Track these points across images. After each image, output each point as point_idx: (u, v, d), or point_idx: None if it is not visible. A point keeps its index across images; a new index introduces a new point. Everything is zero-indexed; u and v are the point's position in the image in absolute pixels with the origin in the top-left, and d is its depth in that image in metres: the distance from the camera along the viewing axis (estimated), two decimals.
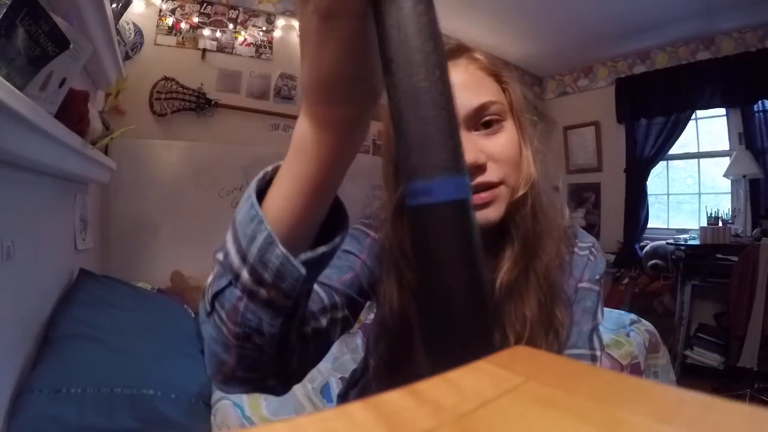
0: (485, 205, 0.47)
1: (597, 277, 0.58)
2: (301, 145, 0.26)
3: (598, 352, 0.56)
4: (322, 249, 0.29)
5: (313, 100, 0.25)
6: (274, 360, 0.34)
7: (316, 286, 0.43)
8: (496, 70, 0.51)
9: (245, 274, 0.28)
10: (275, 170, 0.29)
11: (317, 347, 0.41)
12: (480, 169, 0.46)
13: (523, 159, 0.50)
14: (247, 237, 0.27)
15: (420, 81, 0.20)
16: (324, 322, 0.42)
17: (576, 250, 0.58)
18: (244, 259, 0.28)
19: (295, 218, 0.27)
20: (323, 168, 0.26)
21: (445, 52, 0.22)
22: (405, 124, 0.20)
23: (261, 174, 0.29)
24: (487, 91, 0.49)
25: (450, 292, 0.19)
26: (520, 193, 0.48)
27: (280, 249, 0.26)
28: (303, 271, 0.27)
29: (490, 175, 0.47)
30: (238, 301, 0.29)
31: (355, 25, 0.22)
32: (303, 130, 0.26)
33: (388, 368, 0.54)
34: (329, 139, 0.26)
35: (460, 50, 0.51)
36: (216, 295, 0.31)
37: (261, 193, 0.28)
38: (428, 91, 0.20)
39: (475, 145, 0.46)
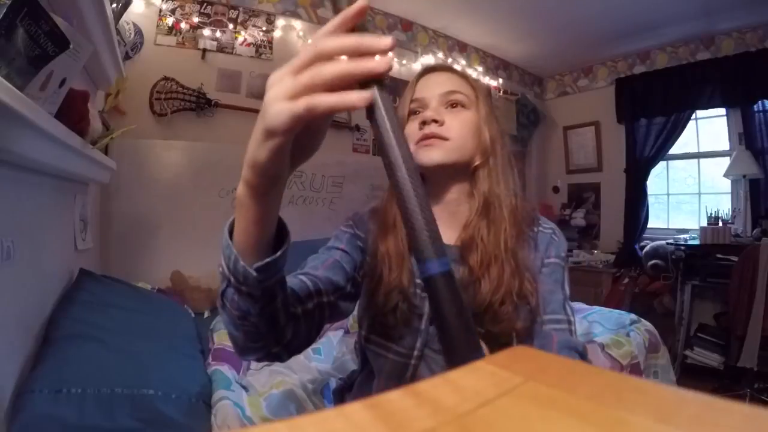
0: (430, 146, 0.65)
1: (562, 254, 0.71)
2: (240, 200, 0.39)
3: (572, 318, 0.68)
4: (267, 259, 0.41)
5: (247, 173, 0.37)
6: (269, 333, 0.48)
7: (303, 277, 0.58)
8: (472, 81, 0.72)
9: (232, 279, 0.42)
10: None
11: (308, 325, 0.55)
12: (436, 123, 0.65)
13: (482, 138, 0.68)
14: (226, 257, 0.42)
15: (403, 177, 0.35)
16: (310, 305, 0.55)
17: (540, 228, 0.72)
18: (229, 269, 0.42)
19: (249, 242, 0.41)
20: (255, 213, 0.39)
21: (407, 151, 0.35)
22: (403, 215, 0.36)
23: (231, 219, 0.42)
24: (459, 86, 0.69)
25: (447, 319, 0.35)
26: (478, 161, 0.68)
27: (240, 263, 0.41)
28: (255, 274, 0.41)
29: (441, 131, 0.65)
30: (233, 295, 0.44)
31: (283, 141, 0.34)
32: (240, 189, 0.39)
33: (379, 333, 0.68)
34: (256, 197, 0.38)
35: (453, 69, 0.74)
36: (222, 294, 0.45)
37: (232, 228, 0.42)
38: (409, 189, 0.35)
39: (438, 112, 0.67)
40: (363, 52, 0.32)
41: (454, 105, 0.68)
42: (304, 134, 0.37)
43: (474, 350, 0.35)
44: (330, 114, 0.34)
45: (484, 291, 0.62)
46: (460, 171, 0.68)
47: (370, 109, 0.34)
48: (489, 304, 0.61)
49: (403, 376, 0.66)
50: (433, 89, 0.69)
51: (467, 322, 0.35)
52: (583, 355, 0.65)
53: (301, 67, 0.33)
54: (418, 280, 0.65)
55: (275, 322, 0.48)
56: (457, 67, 0.86)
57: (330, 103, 0.32)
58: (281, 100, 0.32)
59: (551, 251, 0.70)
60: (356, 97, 0.32)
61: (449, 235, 0.67)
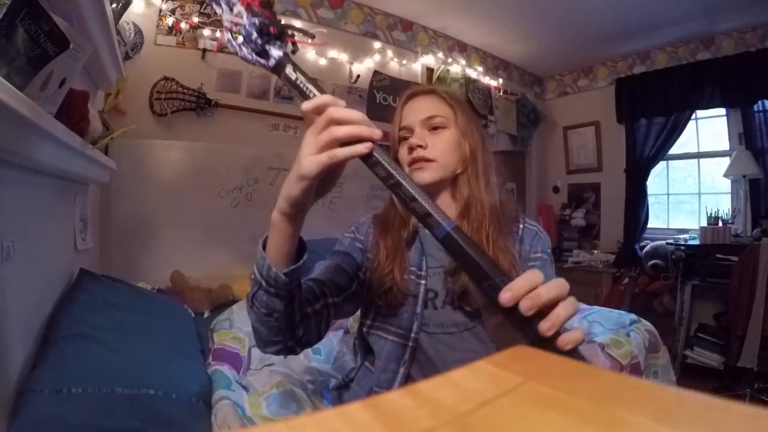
0: (420, 169, 0.76)
1: (548, 250, 0.81)
2: (275, 222, 0.53)
3: None
4: (293, 266, 0.55)
5: (282, 204, 0.51)
6: (287, 329, 0.61)
7: (311, 282, 0.70)
8: (450, 101, 0.81)
9: (263, 283, 0.56)
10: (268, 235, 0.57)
11: (317, 323, 0.67)
12: (421, 147, 0.76)
13: (462, 150, 0.78)
14: (259, 266, 0.56)
15: (405, 186, 0.45)
16: (318, 306, 0.68)
17: (525, 225, 0.81)
18: (261, 275, 0.56)
19: (280, 254, 0.54)
20: (286, 232, 0.53)
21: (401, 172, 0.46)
22: (412, 209, 0.46)
23: (264, 237, 0.56)
24: (437, 110, 0.79)
25: (471, 255, 0.43)
26: (459, 170, 0.79)
27: (273, 269, 0.54)
28: (284, 278, 0.55)
29: (427, 153, 0.76)
30: (263, 296, 0.57)
31: (312, 183, 0.47)
32: (275, 215, 0.52)
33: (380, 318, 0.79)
34: (288, 221, 0.52)
35: (432, 91, 0.83)
36: (253, 296, 0.58)
37: (264, 245, 0.56)
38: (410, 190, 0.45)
39: (422, 137, 0.77)
40: (363, 124, 0.46)
41: (434, 128, 0.79)
42: (326, 175, 0.49)
43: (501, 273, 0.41)
44: (346, 161, 0.46)
45: (465, 276, 0.70)
46: (445, 181, 0.79)
47: (369, 154, 0.46)
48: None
49: (401, 357, 0.75)
50: (415, 116, 0.79)
51: (486, 254, 0.43)
52: None
53: (320, 129, 0.46)
54: (413, 267, 0.77)
55: (293, 319, 0.61)
56: (437, 85, 1.00)
57: (346, 153, 0.45)
58: (310, 154, 0.46)
59: (537, 246, 0.79)
60: (362, 147, 0.45)
61: None
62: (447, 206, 0.79)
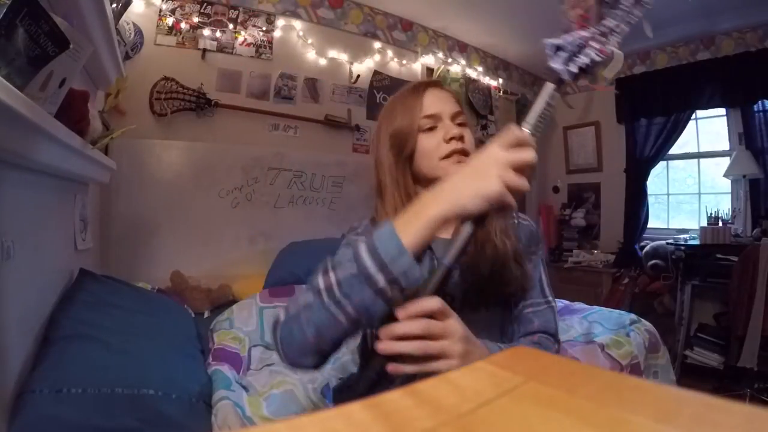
0: (461, 163, 0.71)
1: (542, 247, 0.82)
2: (430, 222, 0.50)
3: (551, 298, 0.79)
4: (425, 270, 0.53)
5: (451, 212, 0.50)
6: (338, 345, 0.55)
7: None
8: (458, 98, 0.81)
9: (381, 280, 0.48)
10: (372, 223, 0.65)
11: None
12: (462, 140, 0.74)
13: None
14: (391, 260, 0.48)
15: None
16: None
17: (520, 221, 0.82)
18: (383, 271, 0.48)
19: (420, 250, 0.51)
20: (430, 237, 0.51)
21: None
22: None
23: (387, 226, 0.51)
24: (458, 106, 0.78)
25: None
26: None
27: (417, 268, 0.49)
28: (418, 274, 0.50)
29: (465, 146, 0.74)
30: (367, 296, 0.49)
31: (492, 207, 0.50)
32: (436, 214, 0.50)
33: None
34: (439, 226, 0.51)
35: (445, 88, 0.81)
36: (345, 296, 0.50)
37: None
38: None
39: (460, 129, 0.75)
40: None
41: (461, 124, 0.76)
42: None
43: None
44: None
45: (483, 267, 0.71)
46: None
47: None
48: (492, 271, 0.71)
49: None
50: (442, 107, 0.75)
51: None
52: (556, 338, 0.77)
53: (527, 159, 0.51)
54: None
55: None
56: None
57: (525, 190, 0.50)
58: (511, 178, 0.49)
59: (532, 245, 0.80)
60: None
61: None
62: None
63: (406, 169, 0.76)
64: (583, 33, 0.50)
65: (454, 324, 0.54)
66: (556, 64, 0.52)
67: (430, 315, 0.52)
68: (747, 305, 2.25)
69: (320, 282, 0.52)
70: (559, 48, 0.52)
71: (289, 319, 0.56)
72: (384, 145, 0.78)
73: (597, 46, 0.50)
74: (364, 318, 0.50)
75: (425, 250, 0.52)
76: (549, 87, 0.53)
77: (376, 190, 0.81)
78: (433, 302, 0.51)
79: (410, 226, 0.50)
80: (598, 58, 0.51)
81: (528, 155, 0.50)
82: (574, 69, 0.51)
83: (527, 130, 0.53)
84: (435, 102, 0.76)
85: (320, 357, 0.56)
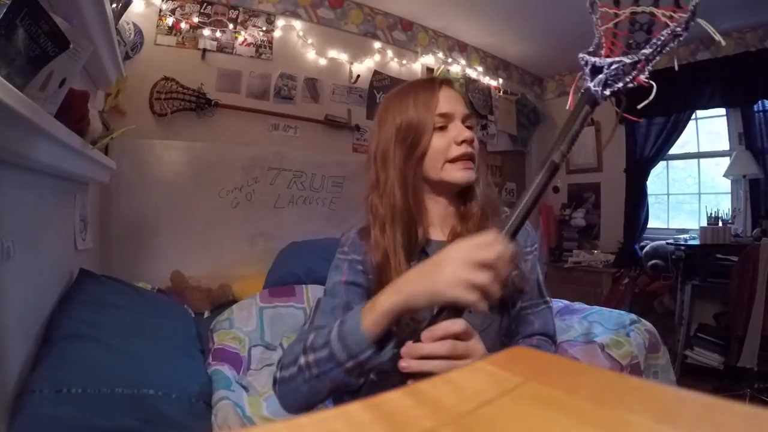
0: (469, 169, 0.72)
1: (535, 244, 0.81)
2: (385, 313, 0.53)
3: (548, 298, 0.81)
4: (386, 355, 0.55)
5: (403, 307, 0.53)
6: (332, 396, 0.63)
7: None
8: (467, 101, 0.83)
9: (350, 364, 0.55)
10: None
11: None
12: (471, 144, 0.72)
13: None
14: (355, 350, 0.54)
15: None
16: None
17: None
18: (352, 358, 0.54)
19: (371, 339, 0.54)
20: (387, 326, 0.54)
21: None
22: None
23: (354, 318, 0.56)
24: (467, 108, 0.77)
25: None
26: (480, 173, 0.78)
27: (377, 358, 0.54)
28: (392, 354, 0.55)
29: (473, 151, 0.72)
30: (338, 375, 0.56)
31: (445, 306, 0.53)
32: (388, 307, 0.53)
33: None
34: (394, 318, 0.54)
35: (451, 83, 0.78)
36: (321, 374, 0.57)
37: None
38: None
39: (471, 132, 0.73)
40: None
41: (470, 127, 0.74)
42: None
43: None
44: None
45: None
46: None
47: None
48: None
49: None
50: (454, 107, 0.72)
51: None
52: (554, 339, 0.79)
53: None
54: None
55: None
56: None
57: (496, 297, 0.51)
58: (477, 286, 0.49)
59: (527, 241, 0.80)
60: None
61: (443, 232, 0.76)
62: (454, 204, 0.77)
63: (418, 167, 0.71)
64: (623, 59, 0.50)
65: (477, 344, 0.54)
66: (593, 86, 0.52)
67: (455, 335, 0.52)
68: (747, 305, 2.25)
69: (301, 359, 0.58)
70: (596, 69, 0.51)
71: (284, 380, 0.61)
72: (389, 138, 0.72)
73: (634, 74, 0.50)
74: (343, 388, 0.58)
75: (392, 328, 0.56)
76: (585, 110, 0.53)
77: (372, 186, 0.78)
78: (458, 325, 0.52)
79: (370, 315, 0.54)
80: (632, 86, 0.52)
81: (489, 254, 0.48)
82: (607, 92, 0.51)
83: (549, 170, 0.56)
84: (449, 101, 0.72)
85: (317, 407, 0.62)
